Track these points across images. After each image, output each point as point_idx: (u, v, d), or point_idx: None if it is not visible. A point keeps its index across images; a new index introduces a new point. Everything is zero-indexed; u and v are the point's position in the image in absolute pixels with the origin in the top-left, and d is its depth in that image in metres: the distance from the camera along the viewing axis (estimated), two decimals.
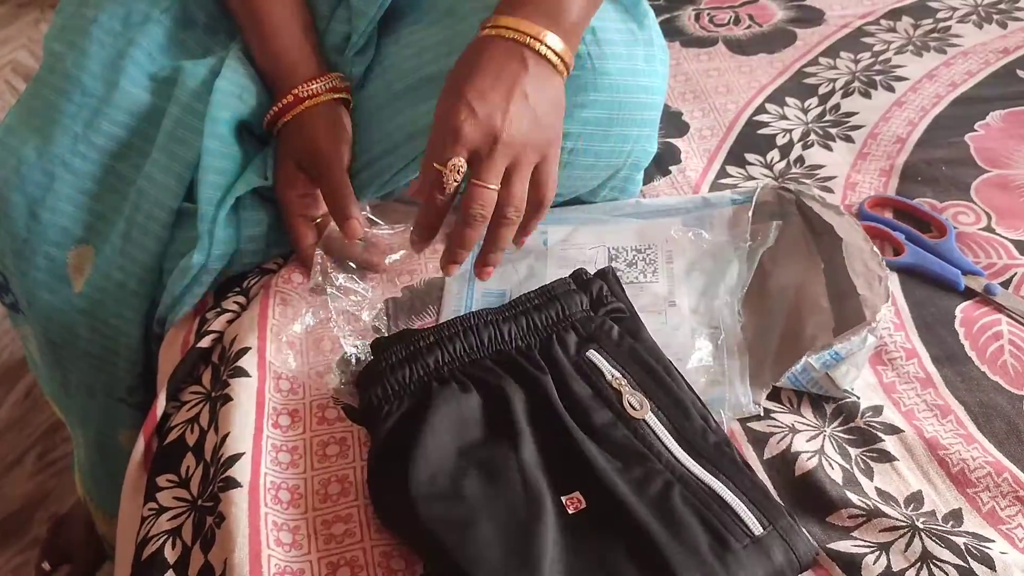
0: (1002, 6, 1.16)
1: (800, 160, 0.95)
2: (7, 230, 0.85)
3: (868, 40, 1.12)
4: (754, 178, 0.93)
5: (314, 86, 0.83)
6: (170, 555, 0.66)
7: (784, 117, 1.01)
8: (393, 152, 0.84)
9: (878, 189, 0.92)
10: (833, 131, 0.99)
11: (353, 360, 0.74)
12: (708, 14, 1.19)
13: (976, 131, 0.98)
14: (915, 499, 0.66)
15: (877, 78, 1.06)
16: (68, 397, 0.93)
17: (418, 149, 0.83)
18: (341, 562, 0.63)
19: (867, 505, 0.64)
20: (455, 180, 0.68)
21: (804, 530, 0.62)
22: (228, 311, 0.81)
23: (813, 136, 0.98)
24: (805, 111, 1.02)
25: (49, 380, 0.95)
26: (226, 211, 0.80)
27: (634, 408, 0.66)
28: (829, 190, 0.91)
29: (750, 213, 0.84)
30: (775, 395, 0.73)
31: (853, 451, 0.69)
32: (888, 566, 0.61)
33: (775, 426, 0.70)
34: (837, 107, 1.02)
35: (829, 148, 0.97)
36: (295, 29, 0.85)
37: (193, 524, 0.67)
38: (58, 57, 0.87)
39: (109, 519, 1.04)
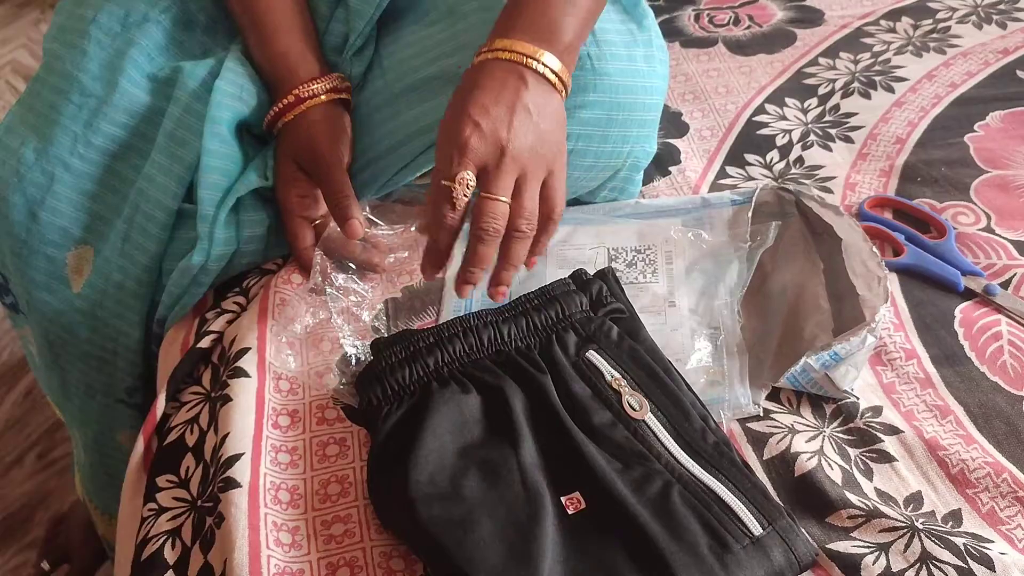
0: (1001, 7, 1.16)
1: (800, 160, 0.95)
2: (6, 231, 0.85)
3: (868, 40, 1.12)
4: (754, 178, 0.93)
5: (315, 87, 0.83)
6: (170, 555, 0.66)
7: (784, 117, 1.01)
8: (393, 152, 0.84)
9: (877, 189, 0.92)
10: (833, 131, 0.99)
11: (353, 360, 0.74)
12: (708, 14, 1.19)
13: (976, 132, 0.98)
14: (914, 499, 0.66)
15: (877, 78, 1.06)
16: (67, 398, 0.93)
17: (418, 149, 0.83)
18: (341, 562, 0.63)
19: (866, 505, 0.64)
20: (465, 194, 0.67)
21: (803, 530, 0.62)
22: (228, 311, 0.81)
23: (813, 136, 0.98)
24: (805, 111, 1.02)
25: (48, 381, 0.95)
26: (226, 212, 0.80)
27: (634, 409, 0.66)
28: (829, 190, 0.91)
29: (750, 213, 0.84)
30: (774, 395, 0.73)
31: (852, 451, 0.69)
32: (888, 566, 0.61)
33: (774, 426, 0.70)
34: (837, 107, 1.02)
35: (829, 148, 0.97)
36: (295, 30, 0.85)
37: (193, 524, 0.67)
38: (57, 57, 0.87)
39: (109, 520, 1.04)
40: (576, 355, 0.70)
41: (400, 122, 0.84)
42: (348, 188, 0.81)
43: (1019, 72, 1.05)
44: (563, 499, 0.63)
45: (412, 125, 0.83)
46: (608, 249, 0.83)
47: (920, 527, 0.63)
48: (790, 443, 0.69)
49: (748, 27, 1.17)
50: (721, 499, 0.62)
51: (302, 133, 0.82)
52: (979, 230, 0.87)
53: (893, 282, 0.82)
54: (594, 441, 0.65)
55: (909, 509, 0.66)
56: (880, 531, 0.63)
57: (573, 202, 0.88)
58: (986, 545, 0.62)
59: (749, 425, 0.71)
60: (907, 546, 0.62)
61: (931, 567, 0.60)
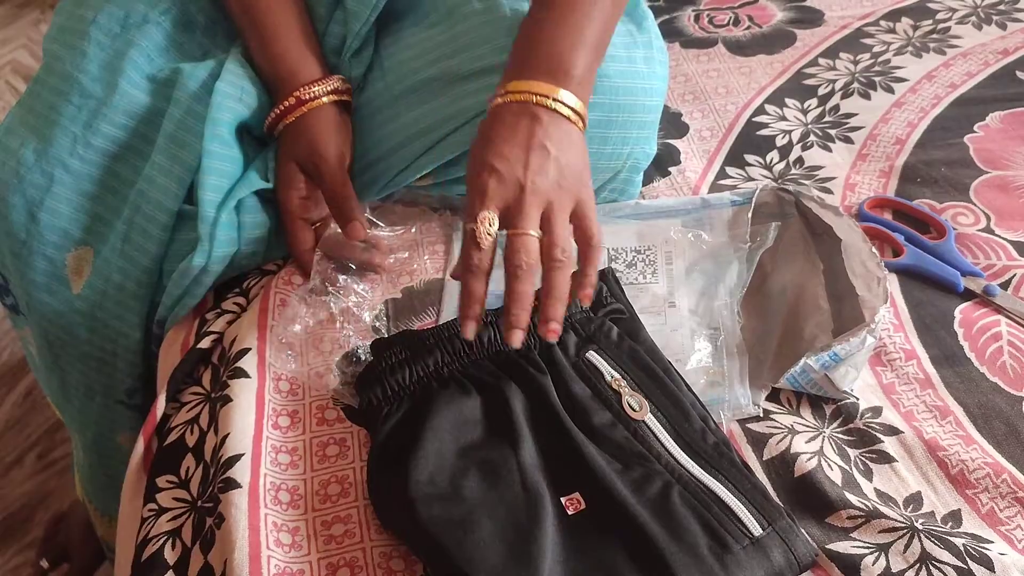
0: (1001, 7, 1.16)
1: (799, 161, 0.95)
2: (6, 232, 0.85)
3: (867, 41, 1.12)
4: (753, 179, 0.93)
5: (316, 89, 0.83)
6: (170, 556, 0.66)
7: (783, 118, 1.01)
8: (394, 154, 0.84)
9: (877, 190, 0.92)
10: (832, 132, 0.99)
11: (353, 360, 0.74)
12: (708, 15, 1.19)
13: (975, 132, 0.98)
14: (914, 500, 0.67)
15: (876, 79, 1.06)
16: (67, 399, 0.93)
17: (419, 151, 0.83)
18: (341, 563, 0.63)
19: (866, 506, 0.64)
20: (488, 233, 0.67)
21: (803, 531, 0.62)
22: (228, 312, 0.81)
23: (812, 137, 0.98)
24: (804, 112, 1.02)
25: (48, 382, 0.95)
26: (227, 213, 0.80)
27: (633, 409, 0.66)
28: (828, 191, 0.91)
29: (749, 214, 0.84)
30: (774, 396, 0.73)
31: (852, 452, 0.69)
32: (887, 567, 0.61)
33: (774, 427, 0.70)
34: (836, 108, 1.02)
35: (828, 149, 0.97)
36: (294, 31, 0.85)
37: (193, 525, 0.67)
38: (57, 58, 0.87)
39: (108, 522, 1.04)
40: (576, 355, 0.70)
41: (400, 124, 0.84)
42: (349, 190, 0.82)
43: (1019, 73, 1.05)
44: (563, 500, 0.63)
45: (412, 127, 0.83)
46: (608, 249, 0.83)
47: (920, 527, 0.63)
48: (790, 444, 0.69)
49: (748, 27, 1.17)
50: (721, 499, 0.62)
51: (303, 135, 0.82)
52: (979, 231, 0.87)
53: (893, 283, 0.82)
54: (594, 441, 0.65)
55: (909, 510, 0.66)
56: (880, 531, 0.63)
57: None
58: (985, 545, 0.62)
59: (749, 426, 0.71)
60: (907, 546, 0.62)
61: (931, 567, 0.60)
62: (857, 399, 0.72)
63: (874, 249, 0.79)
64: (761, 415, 0.71)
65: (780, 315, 0.78)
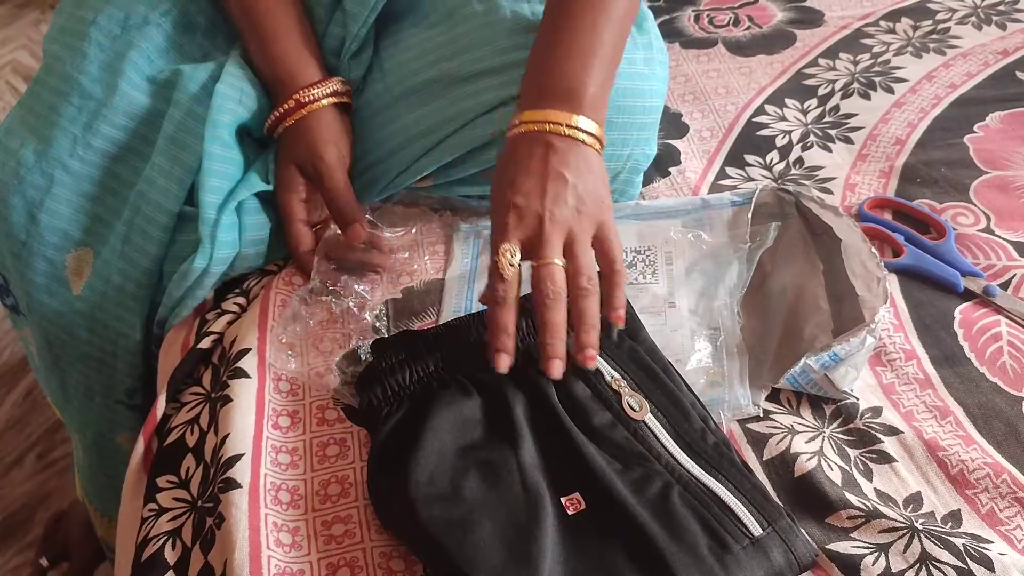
0: (1001, 8, 1.16)
1: (799, 161, 0.95)
2: (6, 233, 0.85)
3: (867, 41, 1.12)
4: (753, 179, 0.93)
5: (315, 91, 0.83)
6: (170, 556, 0.66)
7: (783, 118, 1.01)
8: (393, 156, 0.85)
9: (877, 190, 0.92)
10: (832, 132, 0.99)
11: (354, 360, 0.74)
12: (708, 15, 1.19)
13: (975, 132, 0.98)
14: (914, 500, 0.67)
15: (876, 79, 1.06)
16: (67, 399, 0.93)
17: (418, 153, 0.83)
18: (341, 563, 0.63)
19: (866, 506, 0.64)
20: (511, 263, 0.67)
21: (803, 531, 0.62)
22: (228, 312, 0.81)
23: (812, 137, 0.98)
24: (804, 112, 1.02)
25: (48, 382, 0.95)
26: (228, 215, 0.80)
27: (633, 409, 0.66)
28: (828, 191, 0.91)
29: (749, 214, 0.84)
30: (774, 396, 0.73)
31: (852, 452, 0.69)
32: (887, 567, 0.61)
33: (774, 427, 0.70)
34: (836, 108, 1.02)
35: (828, 149, 0.97)
36: (293, 33, 0.85)
37: (193, 525, 0.67)
38: (57, 59, 0.87)
39: (108, 522, 1.04)
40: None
41: (400, 125, 0.84)
42: (350, 193, 0.82)
43: (1018, 73, 1.06)
44: (563, 500, 0.63)
45: (412, 128, 0.83)
46: None
47: (920, 528, 0.63)
48: (790, 444, 0.69)
49: (748, 28, 1.17)
50: (721, 500, 0.62)
51: (303, 138, 0.82)
52: (979, 231, 0.87)
53: (893, 283, 0.82)
54: (594, 442, 0.65)
55: (909, 510, 0.66)
56: (880, 532, 0.63)
57: None
58: (985, 546, 0.62)
59: (749, 426, 0.71)
60: (907, 547, 0.62)
61: (931, 567, 0.60)
62: (857, 399, 0.72)
63: (874, 249, 0.79)
64: (761, 415, 0.71)
65: (780, 315, 0.78)
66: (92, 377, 0.89)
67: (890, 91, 1.04)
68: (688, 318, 0.77)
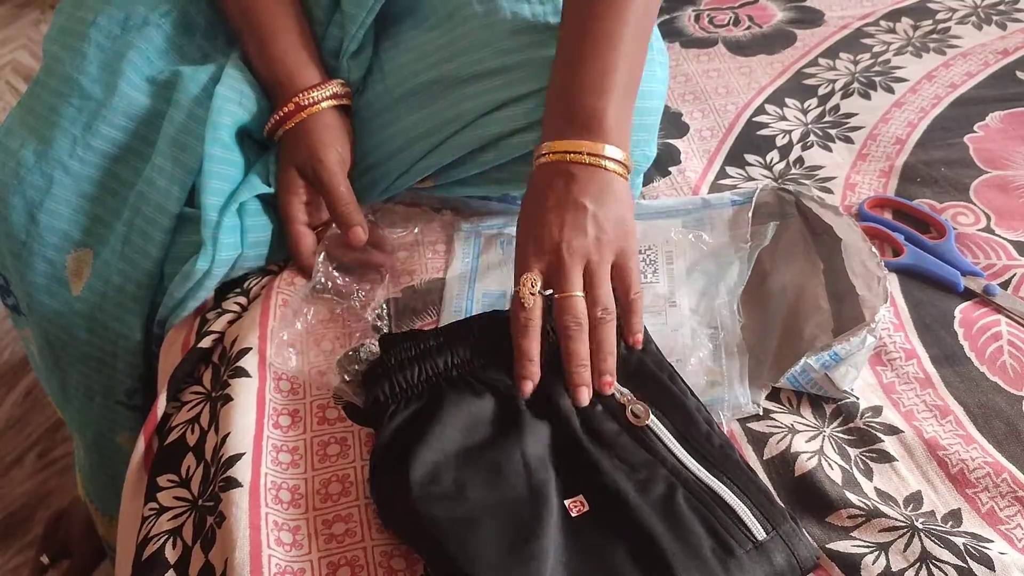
0: (1001, 7, 1.16)
1: (800, 161, 0.95)
2: (6, 233, 0.85)
3: (867, 41, 1.12)
4: (754, 179, 0.93)
5: (314, 94, 0.83)
6: (171, 555, 0.66)
7: (784, 118, 1.01)
8: (393, 158, 0.85)
9: (877, 190, 0.92)
10: (832, 132, 0.99)
11: (355, 359, 0.74)
12: (708, 15, 1.19)
13: (975, 132, 0.98)
14: (914, 499, 0.67)
15: (876, 79, 1.06)
16: (67, 399, 0.93)
17: (418, 154, 0.83)
18: (342, 562, 0.63)
19: (866, 505, 0.64)
20: (531, 292, 0.69)
21: (806, 533, 0.62)
22: (229, 312, 0.81)
23: (812, 137, 0.99)
24: (804, 112, 1.02)
25: (49, 382, 0.95)
26: (229, 217, 0.80)
27: (637, 416, 0.67)
28: (828, 191, 0.91)
29: (750, 214, 0.84)
30: (774, 395, 0.73)
31: (852, 451, 0.69)
32: (887, 566, 0.61)
33: (774, 426, 0.70)
34: (836, 108, 1.02)
35: (828, 149, 0.97)
36: (292, 35, 0.85)
37: (194, 524, 0.67)
38: (57, 59, 0.87)
39: (109, 521, 1.04)
40: None
41: (400, 127, 0.84)
42: (350, 195, 0.82)
43: (1019, 73, 1.06)
44: (567, 502, 0.63)
45: (412, 130, 0.83)
46: None
47: (920, 527, 0.63)
48: (790, 443, 0.69)
49: (748, 27, 1.17)
50: (725, 503, 0.62)
51: (303, 141, 0.82)
52: (979, 230, 0.87)
53: (893, 282, 0.82)
54: (600, 446, 0.65)
55: (909, 509, 0.66)
56: (880, 531, 0.63)
57: None
58: (986, 545, 0.62)
59: (749, 425, 0.71)
60: (907, 546, 0.62)
61: (931, 567, 0.60)
62: (857, 399, 0.73)
63: (874, 249, 0.79)
64: (761, 414, 0.71)
65: (780, 315, 0.78)
66: (92, 377, 0.89)
67: (890, 91, 1.04)
68: (689, 317, 0.77)
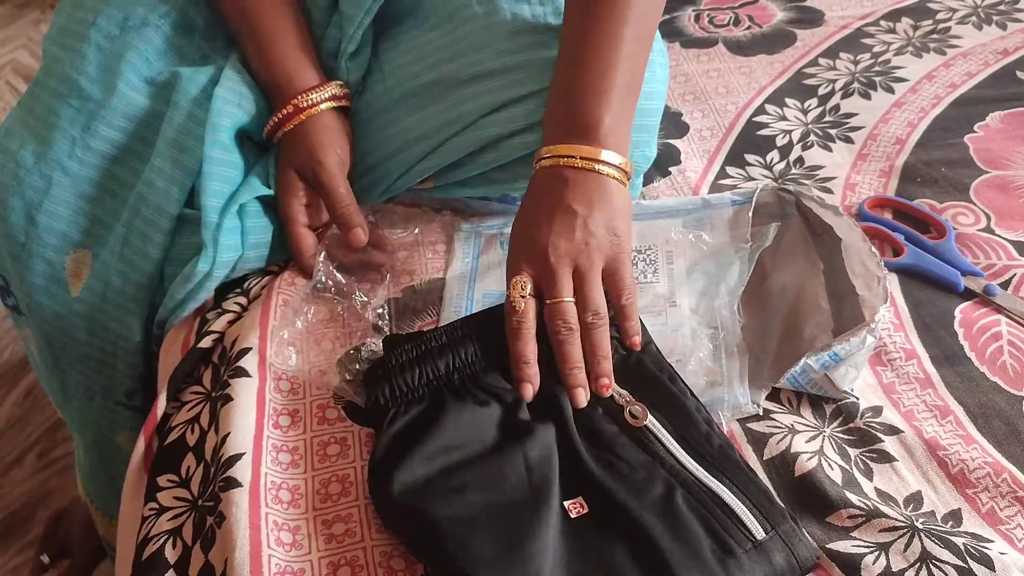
0: (1001, 7, 1.16)
1: (800, 161, 0.95)
2: (5, 234, 0.85)
3: (868, 41, 1.12)
4: (754, 179, 0.93)
5: (313, 96, 0.83)
6: (171, 555, 0.66)
7: (784, 118, 1.01)
8: (393, 159, 0.84)
9: (877, 190, 0.92)
10: (833, 132, 0.99)
11: (356, 359, 0.74)
12: (708, 15, 1.19)
13: (975, 132, 0.98)
14: (914, 499, 0.67)
15: (877, 79, 1.06)
16: (67, 400, 0.93)
17: (418, 155, 0.83)
18: (342, 562, 0.63)
19: (866, 505, 0.64)
20: (520, 295, 0.69)
21: (805, 533, 0.62)
22: (229, 312, 0.81)
23: (813, 137, 0.99)
24: (805, 112, 1.02)
25: (49, 382, 0.95)
26: (230, 219, 0.80)
27: (635, 417, 0.67)
28: (829, 191, 0.91)
29: (750, 214, 0.84)
30: (774, 395, 0.73)
31: (852, 452, 0.69)
32: (887, 566, 0.61)
33: (774, 426, 0.70)
34: (837, 108, 1.02)
35: (829, 149, 0.97)
36: (290, 37, 0.85)
37: (194, 524, 0.67)
38: (56, 60, 0.87)
39: (109, 521, 1.04)
40: None
41: (400, 128, 0.84)
42: (350, 197, 0.82)
43: (1019, 73, 1.06)
44: (566, 504, 0.63)
45: (412, 131, 0.83)
46: None
47: (920, 527, 0.63)
48: (790, 443, 0.69)
49: (748, 27, 1.17)
50: (724, 503, 0.62)
51: (302, 143, 0.82)
52: (979, 230, 0.87)
53: (893, 282, 0.82)
54: (598, 446, 0.65)
55: (909, 509, 0.66)
56: (880, 531, 0.63)
57: None
58: (986, 545, 0.62)
59: (749, 425, 0.71)
60: (907, 546, 0.62)
61: (931, 567, 0.60)
62: (857, 399, 0.73)
63: (874, 249, 0.79)
64: (761, 414, 0.71)
65: (780, 315, 0.78)
66: (92, 378, 0.89)
67: (890, 91, 1.04)
68: (689, 317, 0.77)
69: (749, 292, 0.79)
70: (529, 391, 0.68)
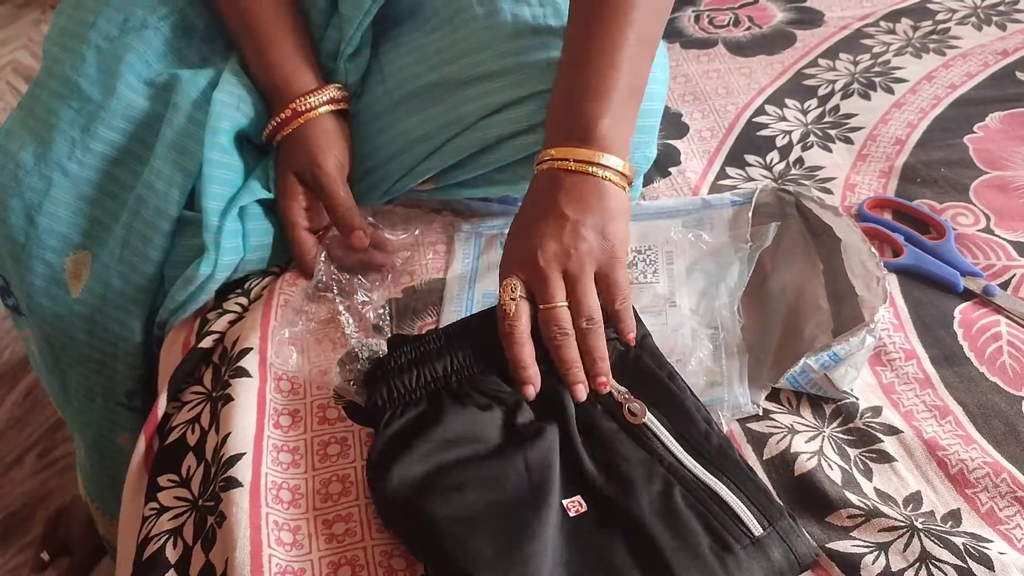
0: (1001, 8, 1.16)
1: (799, 161, 0.96)
2: (5, 235, 0.85)
3: (867, 42, 1.12)
4: (753, 179, 0.93)
5: (311, 99, 0.83)
6: (171, 555, 0.66)
7: (783, 118, 1.01)
8: (393, 160, 0.85)
9: (877, 190, 0.92)
10: (832, 132, 0.99)
11: (356, 359, 0.74)
12: (708, 15, 1.20)
13: (975, 133, 0.98)
14: (914, 499, 0.67)
15: (876, 80, 1.06)
16: (68, 400, 0.93)
17: (419, 157, 0.83)
18: (342, 561, 0.63)
19: (866, 505, 0.64)
20: (511, 297, 0.69)
21: (804, 530, 0.62)
22: (229, 312, 0.82)
23: (812, 137, 0.99)
24: (804, 112, 1.02)
25: (50, 383, 0.95)
26: (231, 221, 0.80)
27: (633, 414, 0.67)
28: (828, 191, 0.91)
29: (750, 214, 0.84)
30: (774, 395, 0.73)
31: (852, 452, 0.69)
32: (887, 566, 0.61)
33: (774, 427, 0.71)
34: (836, 108, 1.02)
35: (828, 149, 0.97)
36: (289, 41, 0.85)
37: (194, 524, 0.67)
38: (56, 61, 0.87)
39: (110, 521, 1.04)
40: None
41: (400, 129, 0.84)
42: (350, 200, 0.82)
43: (1018, 73, 1.06)
44: (565, 502, 0.63)
45: (412, 133, 0.83)
46: None
47: (919, 527, 0.63)
48: (790, 443, 0.69)
49: (748, 28, 1.17)
50: (722, 500, 0.62)
51: (301, 147, 0.82)
52: (978, 231, 0.87)
53: (892, 283, 0.82)
54: (597, 444, 0.65)
55: (908, 509, 0.66)
56: (880, 531, 0.63)
57: None
58: (985, 545, 0.62)
59: (749, 425, 0.71)
60: (906, 546, 0.62)
61: (930, 567, 0.61)
62: (857, 399, 0.73)
63: (873, 249, 0.79)
64: (761, 414, 0.71)
65: (780, 315, 0.78)
66: (92, 379, 0.89)
67: (890, 91, 1.04)
68: (689, 317, 0.77)
69: (749, 292, 0.79)
70: (531, 392, 0.68)
